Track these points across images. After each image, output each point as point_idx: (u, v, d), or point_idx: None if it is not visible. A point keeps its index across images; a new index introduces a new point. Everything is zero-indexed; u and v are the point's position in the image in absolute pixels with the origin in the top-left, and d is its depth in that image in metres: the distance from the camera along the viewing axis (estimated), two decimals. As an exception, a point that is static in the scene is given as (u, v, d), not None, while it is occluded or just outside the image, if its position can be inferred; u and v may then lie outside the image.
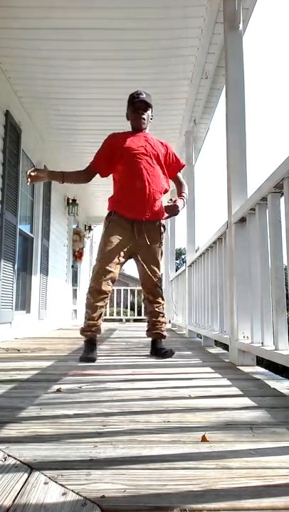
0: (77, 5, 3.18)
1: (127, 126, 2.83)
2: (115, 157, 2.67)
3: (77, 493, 0.74)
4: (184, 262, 5.68)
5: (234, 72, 2.58)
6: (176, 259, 8.52)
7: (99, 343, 2.92)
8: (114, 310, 11.26)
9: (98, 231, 10.01)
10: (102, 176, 2.78)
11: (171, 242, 7.66)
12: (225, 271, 2.77)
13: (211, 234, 3.16)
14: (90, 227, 10.10)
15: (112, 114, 4.65)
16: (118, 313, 11.30)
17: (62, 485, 0.78)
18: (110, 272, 2.60)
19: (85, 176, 2.78)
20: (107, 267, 2.59)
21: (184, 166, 2.89)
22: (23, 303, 5.06)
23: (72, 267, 8.28)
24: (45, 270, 5.75)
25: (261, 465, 0.87)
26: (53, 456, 0.92)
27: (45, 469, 0.85)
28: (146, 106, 2.73)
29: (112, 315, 11.09)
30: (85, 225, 9.88)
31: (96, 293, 2.60)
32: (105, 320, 7.96)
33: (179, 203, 2.72)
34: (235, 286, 2.38)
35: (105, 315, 2.92)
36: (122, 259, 2.67)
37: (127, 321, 11.22)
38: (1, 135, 3.98)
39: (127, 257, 2.73)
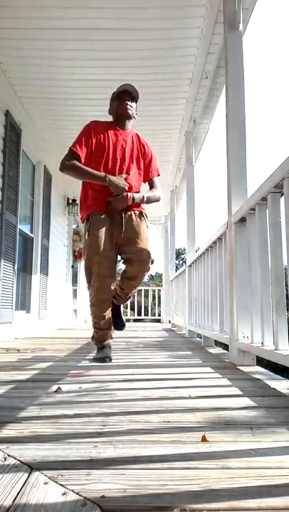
0: (77, 5, 3.18)
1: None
2: (91, 147, 2.48)
3: (77, 493, 0.74)
4: (184, 262, 5.68)
5: (234, 72, 2.58)
6: (176, 259, 8.52)
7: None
8: (114, 310, 11.22)
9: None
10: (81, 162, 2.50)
11: (171, 242, 7.66)
12: (225, 271, 2.77)
13: (211, 234, 3.16)
14: (90, 227, 10.08)
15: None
16: (118, 313, 11.27)
17: (62, 485, 0.77)
18: (108, 276, 2.48)
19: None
20: (103, 274, 2.45)
21: (158, 175, 2.71)
22: (23, 303, 5.06)
23: (72, 267, 8.28)
24: (45, 270, 5.75)
25: (261, 465, 0.87)
26: (53, 456, 0.92)
27: (45, 469, 0.85)
28: (132, 96, 2.58)
29: (112, 315, 11.05)
30: (85, 225, 9.87)
31: (101, 302, 2.49)
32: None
33: (134, 195, 2.48)
34: (235, 286, 2.38)
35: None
36: (114, 258, 2.56)
37: (127, 321, 11.17)
38: (1, 135, 3.98)
39: (116, 252, 2.57)
